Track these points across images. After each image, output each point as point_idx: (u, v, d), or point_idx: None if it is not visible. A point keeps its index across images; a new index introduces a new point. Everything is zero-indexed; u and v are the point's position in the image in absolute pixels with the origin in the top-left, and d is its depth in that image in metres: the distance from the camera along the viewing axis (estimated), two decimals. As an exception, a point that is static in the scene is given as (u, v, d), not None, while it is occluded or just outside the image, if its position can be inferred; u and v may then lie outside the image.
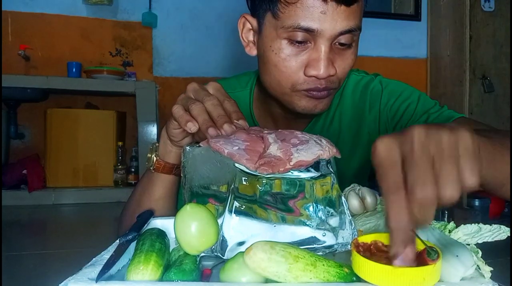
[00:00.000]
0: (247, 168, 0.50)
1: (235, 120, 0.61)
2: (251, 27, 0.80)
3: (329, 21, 0.69)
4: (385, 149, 0.37)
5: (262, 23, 0.76)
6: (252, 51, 0.81)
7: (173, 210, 0.79)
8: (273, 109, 0.86)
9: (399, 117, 0.84)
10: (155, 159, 0.75)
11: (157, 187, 0.76)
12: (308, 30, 0.70)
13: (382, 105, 0.87)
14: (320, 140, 0.54)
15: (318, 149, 0.52)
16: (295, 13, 0.69)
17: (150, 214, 0.63)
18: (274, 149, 0.52)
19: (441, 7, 3.10)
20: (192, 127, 0.62)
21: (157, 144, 0.76)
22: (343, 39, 0.72)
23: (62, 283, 0.42)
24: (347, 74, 0.77)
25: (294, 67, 0.73)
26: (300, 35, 0.70)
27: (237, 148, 0.52)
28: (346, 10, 0.69)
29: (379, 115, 0.87)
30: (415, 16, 3.21)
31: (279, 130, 0.58)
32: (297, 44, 0.72)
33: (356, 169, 0.91)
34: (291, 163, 0.50)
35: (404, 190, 0.36)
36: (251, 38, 0.81)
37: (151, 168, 0.75)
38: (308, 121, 0.89)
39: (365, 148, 0.90)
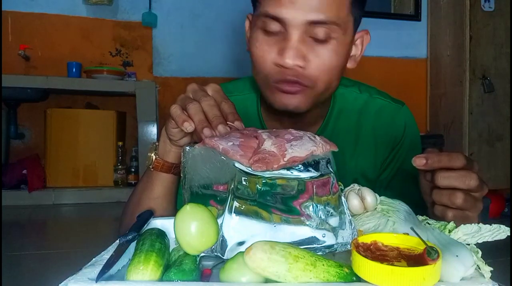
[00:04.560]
0: (246, 168, 0.50)
1: (230, 122, 0.62)
2: None
3: (297, 9, 0.69)
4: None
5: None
6: None
7: (172, 209, 0.79)
8: (280, 113, 0.85)
9: (392, 158, 0.91)
10: (154, 157, 0.75)
11: (156, 185, 0.77)
12: (275, 18, 0.70)
13: (397, 146, 0.91)
14: (314, 137, 0.55)
15: (311, 145, 0.52)
16: (266, 2, 0.71)
17: (150, 214, 0.63)
18: (268, 145, 0.52)
19: (441, 7, 3.10)
20: (188, 127, 0.62)
21: (157, 143, 0.76)
22: (316, 31, 0.71)
23: (62, 283, 0.42)
24: (326, 74, 0.74)
25: (266, 56, 0.73)
26: (271, 24, 0.71)
27: (231, 143, 0.53)
28: (317, 0, 0.69)
29: (391, 150, 0.91)
30: (415, 16, 3.21)
31: (274, 129, 0.59)
32: (270, 33, 0.72)
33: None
34: (285, 159, 0.50)
35: None
36: None
37: (150, 167, 0.76)
38: (317, 128, 0.88)
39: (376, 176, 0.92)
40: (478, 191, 0.59)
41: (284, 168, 0.50)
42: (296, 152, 0.51)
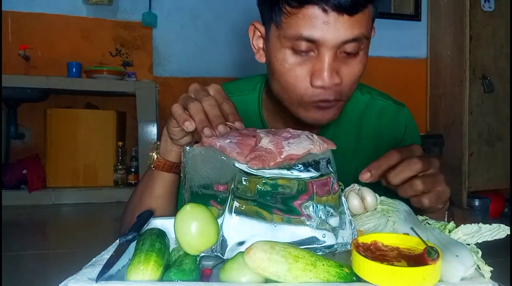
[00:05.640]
0: (247, 168, 0.50)
1: (230, 123, 0.62)
2: (260, 35, 0.80)
3: (331, 31, 0.68)
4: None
5: (269, 31, 0.76)
6: (262, 59, 0.81)
7: (173, 209, 0.80)
8: (283, 113, 0.85)
9: None
10: (155, 157, 0.75)
11: (157, 184, 0.77)
12: (310, 40, 0.69)
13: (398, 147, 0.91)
14: (312, 136, 0.55)
15: (308, 143, 0.53)
16: (296, 23, 0.69)
17: (150, 214, 0.63)
18: (265, 142, 0.52)
19: (441, 7, 3.10)
20: (189, 126, 0.62)
21: (158, 142, 0.76)
22: (348, 48, 0.71)
23: (62, 283, 0.42)
24: (355, 84, 0.76)
25: (300, 77, 0.72)
26: (303, 45, 0.70)
27: (228, 141, 0.53)
28: (350, 19, 0.68)
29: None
30: (415, 16, 3.21)
31: (272, 129, 0.59)
32: (300, 53, 0.71)
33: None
34: (282, 156, 0.50)
35: None
36: (261, 45, 0.81)
37: (152, 166, 0.76)
38: (319, 129, 0.88)
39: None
40: (430, 168, 0.61)
41: (284, 168, 0.51)
42: (293, 149, 0.51)
